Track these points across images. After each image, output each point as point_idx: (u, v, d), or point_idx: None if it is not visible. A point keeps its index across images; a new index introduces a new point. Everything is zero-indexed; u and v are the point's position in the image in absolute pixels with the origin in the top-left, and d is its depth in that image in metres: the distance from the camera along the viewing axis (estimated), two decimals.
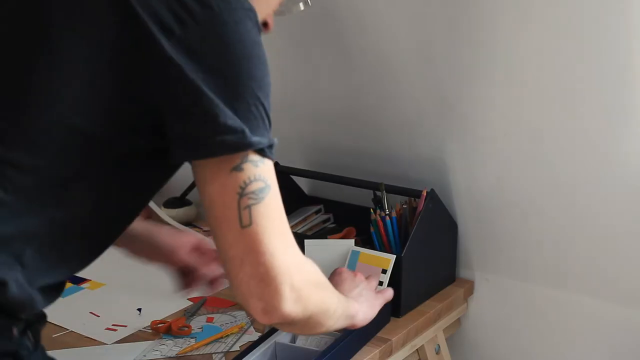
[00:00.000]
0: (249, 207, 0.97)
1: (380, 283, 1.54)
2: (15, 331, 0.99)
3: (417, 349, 1.63)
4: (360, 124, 1.87)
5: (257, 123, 0.98)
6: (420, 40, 1.69)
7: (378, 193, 1.69)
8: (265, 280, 0.98)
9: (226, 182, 0.97)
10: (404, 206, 1.67)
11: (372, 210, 1.66)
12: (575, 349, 1.71)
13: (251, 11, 1.00)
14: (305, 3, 1.29)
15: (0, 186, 0.95)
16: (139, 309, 1.59)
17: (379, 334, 1.51)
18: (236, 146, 0.96)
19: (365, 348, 1.45)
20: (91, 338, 1.49)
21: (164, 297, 1.57)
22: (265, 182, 0.99)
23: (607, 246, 1.62)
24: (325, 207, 1.90)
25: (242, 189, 0.97)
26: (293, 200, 1.87)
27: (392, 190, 1.69)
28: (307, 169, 1.89)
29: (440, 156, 1.76)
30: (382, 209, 1.65)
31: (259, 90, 0.98)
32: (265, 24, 1.23)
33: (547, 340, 1.74)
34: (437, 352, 1.70)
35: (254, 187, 0.98)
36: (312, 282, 1.07)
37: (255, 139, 0.97)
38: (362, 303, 1.31)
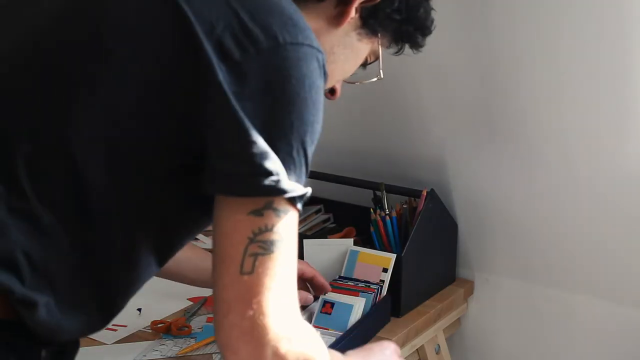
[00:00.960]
0: (255, 255, 0.91)
1: (381, 282, 1.54)
2: (44, 354, 0.96)
3: (417, 349, 1.63)
4: (361, 124, 1.87)
5: (294, 169, 0.92)
6: None
7: (378, 193, 1.69)
8: (248, 336, 0.90)
9: (241, 222, 0.91)
10: (404, 206, 1.67)
11: (372, 210, 1.66)
12: (575, 348, 1.71)
13: (319, 52, 0.95)
14: (379, 77, 1.25)
15: (39, 201, 0.91)
16: (139, 309, 1.59)
17: (379, 334, 1.51)
18: (268, 190, 0.90)
19: None
20: (91, 338, 1.48)
21: (163, 297, 1.58)
22: (281, 235, 0.92)
23: (607, 246, 1.62)
24: (325, 207, 1.90)
25: (255, 234, 0.91)
26: None
27: (392, 190, 1.69)
28: None
29: (440, 156, 1.76)
30: (382, 209, 1.65)
31: (305, 135, 0.92)
32: (332, 91, 1.21)
33: (547, 340, 1.74)
34: (437, 352, 1.70)
35: (267, 237, 0.91)
36: (301, 354, 0.94)
37: (289, 186, 0.91)
38: None
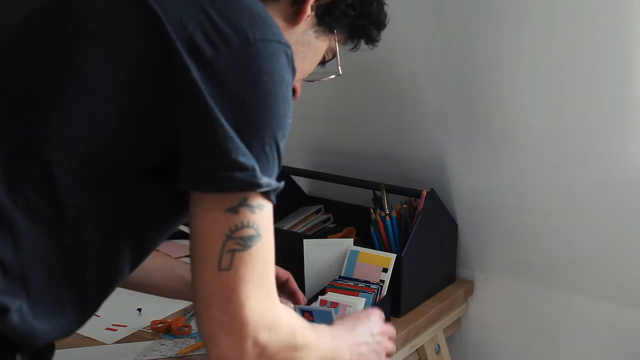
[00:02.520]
0: (232, 251, 0.93)
1: (381, 282, 1.54)
2: (19, 359, 0.95)
3: (417, 349, 1.63)
4: (361, 124, 1.87)
5: (267, 163, 0.94)
6: (421, 41, 1.69)
7: (378, 193, 1.69)
8: (227, 329, 0.93)
9: (217, 220, 0.93)
10: (404, 206, 1.67)
11: (372, 210, 1.66)
12: (575, 348, 1.71)
13: (288, 47, 0.97)
14: (337, 74, 1.27)
15: (14, 203, 0.91)
16: (139, 309, 1.58)
17: None
18: (243, 185, 0.92)
19: None
20: (91, 338, 1.48)
21: (164, 297, 1.57)
22: (257, 230, 0.94)
23: (607, 246, 1.62)
24: (325, 207, 1.90)
25: (232, 232, 0.93)
26: (293, 200, 1.87)
27: (392, 190, 1.69)
28: (307, 169, 1.89)
29: (440, 156, 1.76)
30: (382, 209, 1.65)
31: (277, 130, 0.94)
32: (293, 91, 1.22)
33: (547, 340, 1.74)
34: (437, 352, 1.70)
35: (244, 233, 0.93)
36: (283, 341, 0.99)
37: (263, 180, 0.93)
38: (356, 355, 1.22)
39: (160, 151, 0.96)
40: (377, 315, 1.32)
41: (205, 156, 0.93)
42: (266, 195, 0.95)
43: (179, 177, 0.95)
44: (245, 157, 0.92)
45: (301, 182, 1.93)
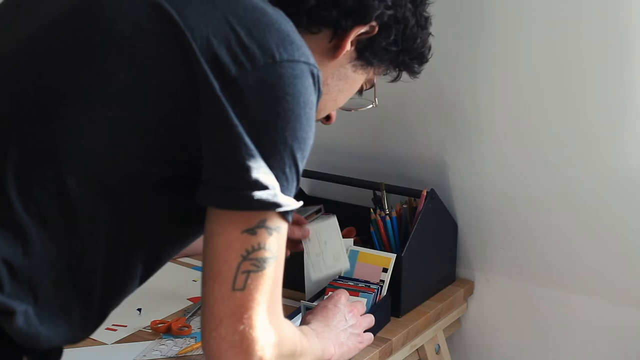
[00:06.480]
0: (247, 272, 0.94)
1: (381, 282, 1.54)
2: None
3: (417, 349, 1.63)
4: (360, 124, 1.87)
5: (287, 184, 0.95)
6: None
7: (378, 193, 1.69)
8: (237, 348, 0.94)
9: (235, 240, 0.93)
10: (404, 206, 1.67)
11: (372, 210, 1.66)
12: (575, 348, 1.71)
13: (315, 67, 0.96)
14: (374, 104, 1.26)
15: (25, 209, 0.91)
16: (139, 309, 1.58)
17: (379, 334, 1.51)
18: (263, 204, 0.92)
19: (365, 348, 1.45)
20: (91, 338, 1.48)
21: (164, 297, 1.57)
22: (272, 252, 0.95)
23: (607, 246, 1.62)
24: (325, 207, 1.90)
25: (248, 253, 0.94)
26: None
27: (392, 190, 1.69)
28: (307, 169, 1.88)
29: (440, 156, 1.76)
30: (382, 209, 1.65)
31: (298, 152, 0.95)
32: (328, 117, 1.22)
33: (547, 340, 1.74)
34: (437, 352, 1.70)
35: (259, 255, 0.94)
36: (285, 355, 1.03)
37: (283, 200, 0.94)
38: (339, 346, 1.31)
39: (177, 165, 0.95)
40: (343, 298, 1.38)
41: (227, 173, 0.92)
42: (283, 216, 0.95)
43: (198, 191, 0.94)
44: (267, 177, 0.92)
45: (301, 182, 1.92)
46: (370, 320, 1.43)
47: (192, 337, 1.49)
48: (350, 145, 1.90)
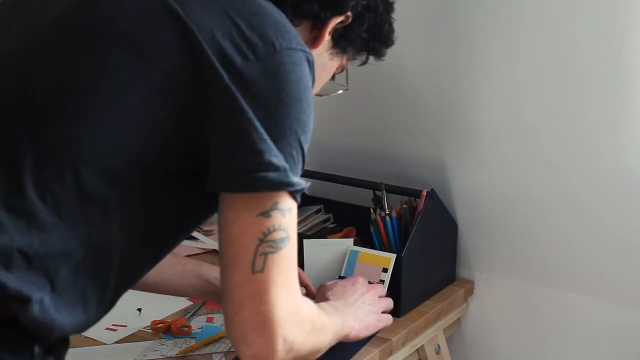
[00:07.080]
0: (265, 254, 0.98)
1: (382, 282, 1.54)
2: (37, 350, 0.97)
3: (417, 349, 1.63)
4: (360, 124, 1.87)
5: (294, 167, 0.99)
6: (421, 41, 1.69)
7: (378, 193, 1.69)
8: (260, 329, 0.98)
9: (250, 224, 0.97)
10: (404, 206, 1.67)
11: (372, 210, 1.66)
12: (575, 348, 1.71)
13: (310, 54, 1.02)
14: (345, 89, 1.32)
15: (42, 199, 0.93)
16: (139, 309, 1.59)
17: (379, 334, 1.51)
18: (277, 184, 0.97)
19: (365, 348, 1.45)
20: (91, 338, 1.48)
21: (163, 297, 1.57)
22: (287, 233, 0.99)
23: (607, 246, 1.62)
24: (325, 207, 1.90)
25: (265, 235, 0.98)
26: None
27: (392, 190, 1.69)
28: (307, 169, 1.88)
29: (440, 156, 1.76)
30: (382, 209, 1.65)
31: (302, 135, 0.99)
32: None
33: (547, 340, 1.74)
34: (437, 352, 1.70)
35: (275, 236, 0.98)
36: (307, 331, 1.06)
37: (295, 179, 0.98)
38: (358, 322, 1.34)
39: (188, 154, 0.99)
40: (360, 279, 1.44)
41: (239, 158, 0.96)
42: (294, 196, 1.00)
43: (210, 179, 0.98)
44: (278, 159, 0.96)
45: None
46: (388, 302, 1.48)
47: (192, 337, 1.49)
48: (350, 145, 1.90)
